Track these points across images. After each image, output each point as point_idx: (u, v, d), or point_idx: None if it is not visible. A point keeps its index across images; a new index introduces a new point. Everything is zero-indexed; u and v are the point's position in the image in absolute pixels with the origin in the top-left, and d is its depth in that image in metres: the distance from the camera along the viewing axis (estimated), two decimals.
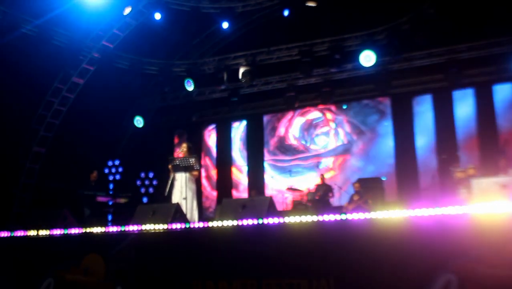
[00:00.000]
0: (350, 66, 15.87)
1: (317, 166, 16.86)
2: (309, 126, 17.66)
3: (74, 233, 7.29)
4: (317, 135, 17.51)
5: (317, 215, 5.99)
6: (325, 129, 17.43)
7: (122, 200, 13.14)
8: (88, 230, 7.26)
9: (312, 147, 17.48)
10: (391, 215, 5.61)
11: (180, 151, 10.02)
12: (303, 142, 17.62)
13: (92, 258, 6.99)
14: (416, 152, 15.83)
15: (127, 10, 14.27)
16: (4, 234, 7.73)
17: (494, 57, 14.50)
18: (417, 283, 5.23)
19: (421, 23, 13.62)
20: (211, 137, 18.92)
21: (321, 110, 17.46)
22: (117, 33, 15.20)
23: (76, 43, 14.38)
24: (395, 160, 16.07)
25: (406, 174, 15.75)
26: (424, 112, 16.04)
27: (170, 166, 9.79)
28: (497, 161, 11.46)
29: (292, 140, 17.79)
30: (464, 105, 15.51)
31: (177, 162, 9.63)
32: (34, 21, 13.20)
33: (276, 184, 17.51)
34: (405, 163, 15.86)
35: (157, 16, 14.40)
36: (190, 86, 16.00)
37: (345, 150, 16.96)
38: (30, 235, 7.53)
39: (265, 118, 18.27)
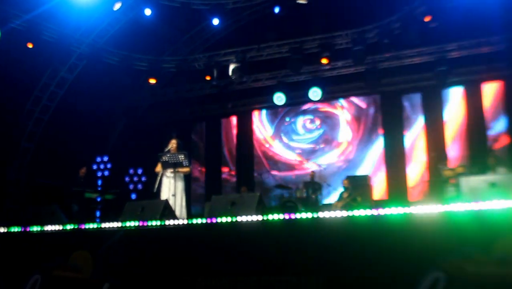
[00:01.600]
0: (340, 64, 15.91)
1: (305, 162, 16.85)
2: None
3: (62, 229, 7.25)
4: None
5: (305, 212, 5.99)
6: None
7: (110, 196, 13.10)
8: (76, 226, 7.22)
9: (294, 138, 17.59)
10: (380, 212, 5.62)
11: (170, 147, 9.96)
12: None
13: (80, 254, 6.94)
14: (405, 149, 15.89)
15: (117, 6, 14.18)
16: None
17: (483, 56, 14.58)
18: (406, 280, 5.24)
19: (412, 22, 13.64)
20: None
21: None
22: (107, 29, 15.12)
23: (65, 38, 14.28)
24: (384, 157, 16.12)
25: (395, 172, 15.81)
26: (413, 110, 16.11)
27: (158, 165, 9.74)
28: (486, 159, 11.51)
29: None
30: (453, 104, 15.59)
31: (166, 158, 9.59)
32: (24, 15, 13.10)
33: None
34: (394, 161, 15.91)
35: (147, 12, 14.31)
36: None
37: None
38: (17, 231, 7.48)
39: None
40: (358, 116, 16.82)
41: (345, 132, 16.96)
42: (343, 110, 17.10)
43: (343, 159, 16.75)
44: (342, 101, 17.15)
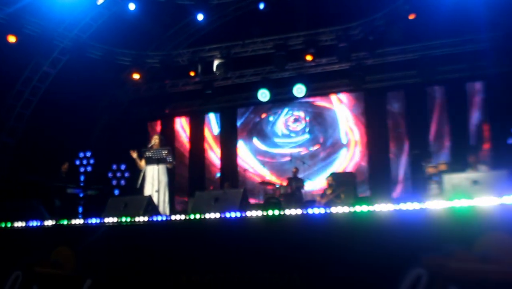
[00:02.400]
0: (324, 61, 15.92)
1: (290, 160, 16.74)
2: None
3: (44, 225, 7.18)
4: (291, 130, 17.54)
5: (289, 209, 5.99)
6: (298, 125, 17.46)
7: (92, 192, 13.02)
8: (58, 222, 7.16)
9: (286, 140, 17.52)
10: (363, 209, 5.63)
11: (152, 143, 9.92)
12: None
13: (62, 250, 6.88)
14: (388, 146, 15.96)
15: (101, 0, 14.07)
16: None
17: (467, 55, 14.69)
18: (388, 277, 5.26)
19: (396, 20, 13.69)
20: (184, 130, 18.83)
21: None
22: (90, 23, 14.99)
23: (48, 32, 14.14)
24: (368, 154, 16.18)
25: (378, 169, 15.87)
26: (397, 107, 16.17)
27: (142, 161, 9.69)
28: (467, 157, 11.57)
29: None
30: (436, 101, 15.68)
31: (150, 154, 9.54)
32: (6, 9, 12.94)
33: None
34: (377, 158, 15.98)
35: (131, 6, 14.20)
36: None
37: (316, 143, 17.02)
38: None
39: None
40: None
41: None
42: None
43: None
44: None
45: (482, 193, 5.53)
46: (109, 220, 6.82)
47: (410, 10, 13.43)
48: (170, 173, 10.02)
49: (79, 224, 7.05)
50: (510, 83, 13.76)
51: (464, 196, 5.34)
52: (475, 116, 15.09)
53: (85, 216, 9.36)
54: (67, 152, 14.90)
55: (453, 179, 6.58)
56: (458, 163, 12.24)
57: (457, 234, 5.13)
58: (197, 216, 6.34)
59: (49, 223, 7.20)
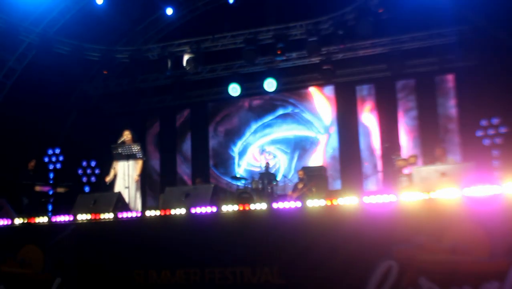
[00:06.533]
0: (295, 55, 15.93)
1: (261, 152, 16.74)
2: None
3: (11, 224, 7.06)
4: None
5: (260, 204, 5.98)
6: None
7: (62, 189, 12.82)
8: (26, 220, 7.05)
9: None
10: (334, 203, 5.65)
11: (123, 139, 9.81)
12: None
13: (30, 249, 6.79)
14: (359, 140, 16.05)
15: None
16: None
17: (436, 48, 14.83)
18: (359, 269, 5.30)
19: (365, 13, 13.74)
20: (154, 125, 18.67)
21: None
22: (58, 18, 14.73)
23: (13, 27, 13.85)
24: (339, 148, 16.26)
25: (349, 162, 15.96)
26: (368, 101, 16.26)
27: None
28: (435, 150, 11.68)
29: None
30: (406, 95, 15.82)
31: (120, 150, 9.44)
32: None
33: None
34: (348, 151, 16.06)
35: (99, 0, 13.99)
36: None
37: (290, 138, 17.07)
38: None
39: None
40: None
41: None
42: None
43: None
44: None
45: (450, 185, 5.59)
46: (78, 217, 6.73)
47: (379, 3, 13.50)
48: (141, 169, 9.92)
49: (48, 222, 6.95)
50: (478, 76, 13.94)
51: (433, 188, 5.40)
52: (444, 109, 15.26)
53: (54, 214, 9.23)
54: (36, 149, 14.65)
55: (422, 171, 6.66)
56: (428, 156, 12.40)
57: (427, 226, 5.18)
58: (167, 212, 6.30)
59: (16, 221, 7.09)
